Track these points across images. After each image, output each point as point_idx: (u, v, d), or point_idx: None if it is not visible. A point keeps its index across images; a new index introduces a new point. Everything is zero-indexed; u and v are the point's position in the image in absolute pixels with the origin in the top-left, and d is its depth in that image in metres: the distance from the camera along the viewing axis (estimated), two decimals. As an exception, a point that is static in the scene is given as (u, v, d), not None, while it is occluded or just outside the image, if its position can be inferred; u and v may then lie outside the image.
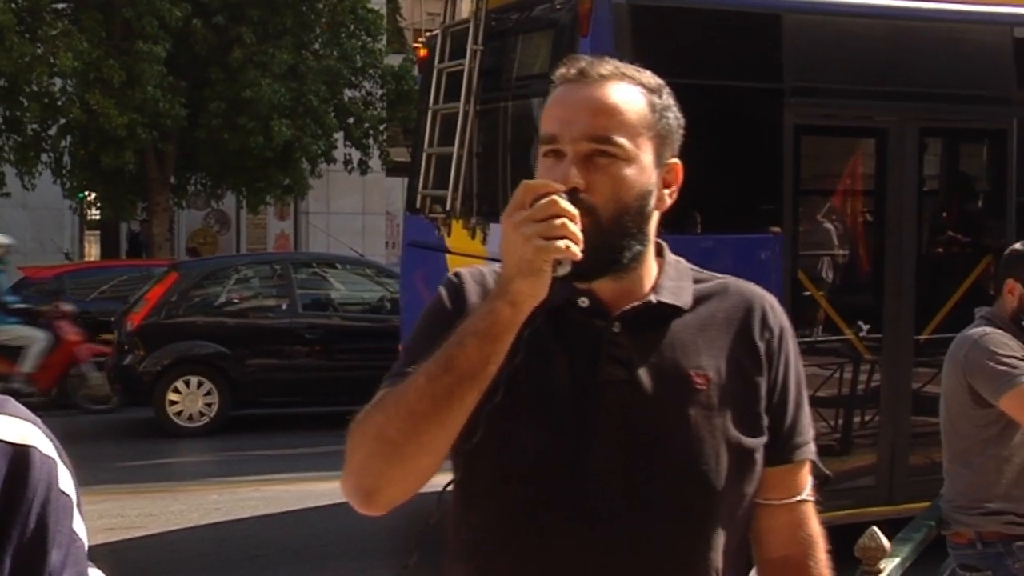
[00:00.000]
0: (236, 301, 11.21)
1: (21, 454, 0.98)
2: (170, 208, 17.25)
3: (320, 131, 15.77)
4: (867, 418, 6.12)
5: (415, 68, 16.98)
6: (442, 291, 1.53)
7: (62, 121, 15.31)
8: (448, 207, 5.92)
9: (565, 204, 1.30)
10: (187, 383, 10.32)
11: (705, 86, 5.42)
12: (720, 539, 1.48)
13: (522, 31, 6.01)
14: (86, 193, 18.73)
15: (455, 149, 5.82)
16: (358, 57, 16.36)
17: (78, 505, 1.03)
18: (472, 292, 1.50)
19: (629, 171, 1.43)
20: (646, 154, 1.45)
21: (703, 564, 1.47)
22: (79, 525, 1.02)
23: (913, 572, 3.20)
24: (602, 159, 1.42)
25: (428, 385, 1.32)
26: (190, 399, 10.33)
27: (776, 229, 5.65)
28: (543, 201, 1.29)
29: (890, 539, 2.96)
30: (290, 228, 22.69)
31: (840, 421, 6.12)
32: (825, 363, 5.99)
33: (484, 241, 5.77)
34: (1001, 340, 3.12)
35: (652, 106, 1.47)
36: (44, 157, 15.90)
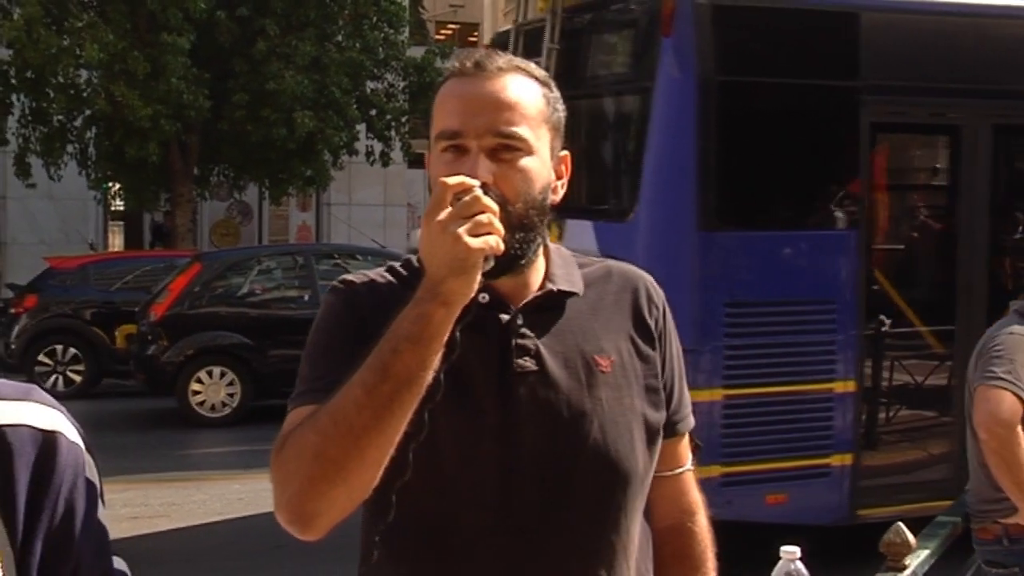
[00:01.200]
0: (258, 292, 11.28)
1: (50, 440, 0.99)
2: (193, 199, 17.34)
3: (342, 123, 15.81)
4: (939, 411, 6.16)
5: (436, 59, 17.03)
6: (333, 300, 1.50)
7: (87, 112, 15.42)
8: None
9: (487, 200, 1.29)
10: (210, 373, 10.40)
11: (783, 84, 5.56)
12: (636, 517, 1.53)
13: (598, 30, 6.05)
14: (110, 184, 18.85)
15: None
16: (380, 49, 16.39)
17: (101, 493, 1.04)
18: (366, 297, 1.48)
19: (533, 164, 1.43)
20: (544, 147, 1.45)
21: (626, 543, 1.50)
22: (103, 512, 1.04)
23: (939, 568, 3.18)
24: (506, 153, 1.41)
25: (367, 396, 1.29)
26: (213, 389, 10.41)
27: (851, 225, 5.68)
28: (467, 198, 1.28)
29: (915, 534, 2.93)
30: (312, 219, 22.77)
31: (912, 414, 6.24)
32: (898, 356, 6.06)
33: (560, 236, 5.86)
34: (1019, 344, 3.08)
35: (547, 99, 1.47)
36: (69, 148, 16.02)
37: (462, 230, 1.27)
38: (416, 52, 17.31)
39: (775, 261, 5.47)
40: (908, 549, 2.83)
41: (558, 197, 1.51)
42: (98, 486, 1.04)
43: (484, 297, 1.44)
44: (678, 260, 5.20)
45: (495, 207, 1.30)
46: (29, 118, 15.75)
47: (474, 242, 1.27)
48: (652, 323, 1.55)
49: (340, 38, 16.24)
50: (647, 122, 5.36)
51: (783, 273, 5.51)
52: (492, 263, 1.31)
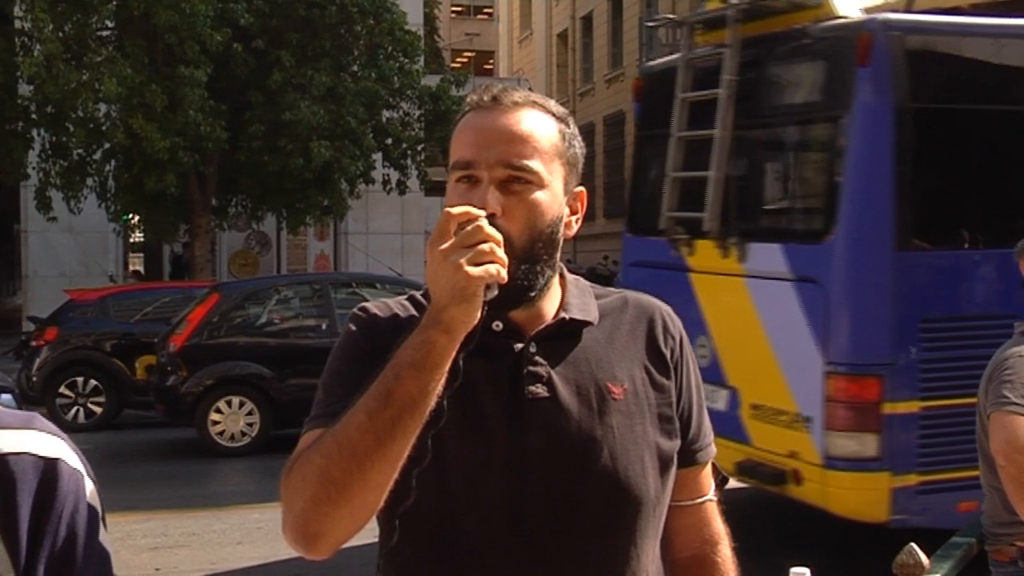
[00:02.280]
0: (276, 321, 11.31)
1: (51, 467, 1.01)
2: (212, 230, 17.46)
3: (359, 152, 15.91)
4: None
5: (452, 88, 17.15)
6: (352, 328, 1.53)
7: (106, 145, 15.58)
8: (705, 227, 6.11)
9: (490, 229, 1.31)
10: (229, 403, 10.43)
11: (974, 110, 5.76)
12: (650, 546, 1.53)
13: (782, 60, 6.19)
14: (130, 216, 19.02)
15: (712, 173, 6.00)
16: (396, 78, 16.50)
17: (102, 518, 1.06)
18: (384, 325, 1.51)
19: (543, 198, 1.45)
20: (557, 181, 1.47)
21: (636, 570, 1.51)
22: (104, 537, 1.06)
23: (953, 590, 3.18)
24: (517, 185, 1.43)
25: (369, 421, 1.31)
26: (232, 419, 10.44)
27: None
28: (469, 228, 1.30)
29: (929, 555, 2.94)
30: (330, 248, 22.89)
31: None
32: None
33: (741, 259, 5.97)
34: None
35: (562, 134, 1.50)
36: (89, 181, 16.18)
37: (463, 259, 1.29)
38: (431, 80, 17.44)
39: (967, 278, 5.68)
40: (921, 570, 2.84)
41: (572, 232, 1.52)
42: (99, 511, 1.05)
43: (498, 325, 1.47)
44: (876, 278, 5.43)
45: (498, 237, 1.32)
46: (49, 152, 15.94)
47: (474, 271, 1.29)
48: (667, 352, 1.57)
49: (356, 68, 16.37)
50: (843, 149, 5.55)
51: (975, 290, 5.70)
52: (495, 292, 1.33)
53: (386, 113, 16.80)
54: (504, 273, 1.32)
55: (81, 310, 12.73)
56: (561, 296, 1.55)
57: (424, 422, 1.34)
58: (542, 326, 1.51)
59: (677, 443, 1.56)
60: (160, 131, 14.25)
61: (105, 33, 15.90)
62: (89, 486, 1.05)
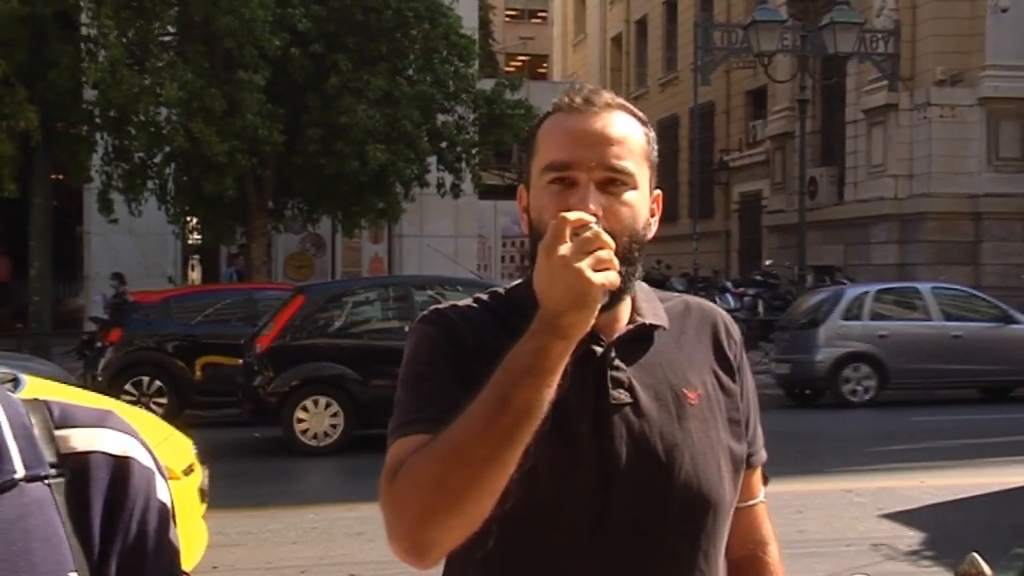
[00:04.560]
0: (359, 323, 11.53)
1: (122, 465, 1.03)
2: (268, 232, 17.66)
3: (414, 155, 16.01)
4: None
5: (506, 91, 17.19)
6: (429, 329, 1.52)
7: (167, 149, 15.84)
8: None
9: (607, 236, 1.31)
10: (315, 403, 10.63)
11: None
12: (722, 549, 1.55)
13: None
14: (188, 218, 19.30)
15: None
16: (451, 82, 16.58)
17: (173, 515, 1.08)
18: (463, 325, 1.50)
19: (637, 199, 1.46)
20: (645, 183, 1.49)
21: (714, 572, 1.53)
22: (174, 534, 1.08)
23: (1016, 601, 3.12)
24: (614, 187, 1.44)
25: (487, 429, 1.30)
26: (317, 419, 10.64)
27: None
28: (588, 234, 1.30)
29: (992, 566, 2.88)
30: (384, 251, 23.04)
31: None
32: None
33: None
34: None
35: (647, 137, 1.51)
36: (150, 184, 16.47)
37: (585, 264, 1.28)
38: (486, 84, 17.50)
39: None
40: (984, 580, 2.78)
41: (651, 234, 1.53)
42: (170, 508, 1.07)
43: None
44: None
45: (612, 243, 1.31)
46: (112, 155, 16.25)
47: (598, 277, 1.28)
48: (731, 356, 1.59)
49: (411, 72, 16.48)
50: None
51: None
52: (607, 298, 1.33)
53: (441, 117, 16.88)
54: (618, 280, 1.32)
55: (144, 311, 12.98)
56: (633, 300, 1.54)
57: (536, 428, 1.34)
58: (622, 331, 1.50)
59: (746, 446, 1.57)
60: (219, 135, 14.46)
61: (166, 38, 16.17)
62: (160, 484, 1.07)
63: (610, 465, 1.46)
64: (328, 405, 10.62)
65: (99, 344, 12.70)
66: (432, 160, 16.86)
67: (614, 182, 1.44)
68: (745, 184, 29.01)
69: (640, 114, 1.53)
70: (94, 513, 1.01)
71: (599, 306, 1.31)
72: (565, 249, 1.29)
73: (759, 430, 1.64)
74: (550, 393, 1.32)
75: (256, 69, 14.63)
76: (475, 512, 1.34)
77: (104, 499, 1.01)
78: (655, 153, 1.53)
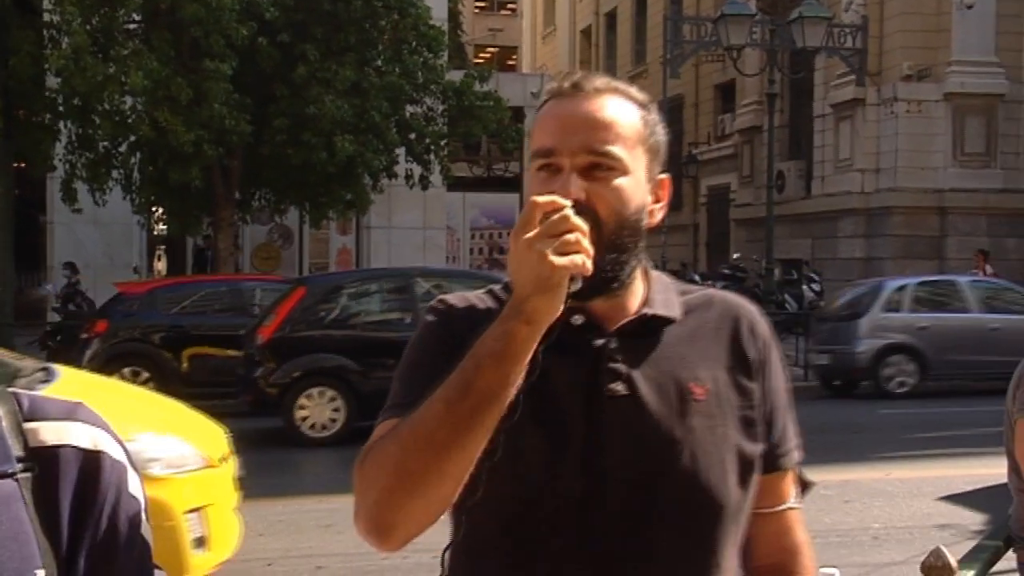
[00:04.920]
0: (361, 315, 11.58)
1: (92, 459, 1.01)
2: (235, 223, 17.54)
3: (382, 146, 15.95)
4: None
5: (475, 83, 17.15)
6: (431, 319, 1.51)
7: (132, 138, 15.68)
8: None
9: (576, 219, 1.28)
10: (320, 393, 10.71)
11: None
12: (730, 553, 1.48)
13: None
14: (154, 209, 19.12)
15: None
16: (420, 73, 16.52)
17: (145, 509, 1.06)
18: (462, 317, 1.49)
19: (627, 184, 1.42)
20: (640, 168, 1.44)
21: None
22: (146, 529, 1.05)
23: (980, 592, 3.15)
24: (600, 172, 1.40)
25: (448, 412, 1.29)
26: (318, 409, 10.72)
27: None
28: (555, 217, 1.27)
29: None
30: (352, 243, 22.95)
31: None
32: None
33: None
34: None
35: (644, 121, 1.47)
36: (114, 174, 16.29)
37: (548, 248, 1.26)
38: (455, 76, 17.45)
39: None
40: (949, 573, 2.81)
41: (655, 220, 1.49)
42: (142, 503, 1.05)
43: (578, 319, 1.43)
44: None
45: (584, 227, 1.28)
46: (75, 144, 16.05)
47: (559, 260, 1.26)
48: (752, 354, 1.52)
49: (380, 62, 16.41)
50: None
51: None
52: (580, 283, 1.30)
53: (409, 108, 16.82)
54: (589, 264, 1.28)
55: (130, 303, 12.94)
56: (645, 291, 1.51)
57: (502, 415, 1.32)
58: (624, 321, 1.47)
59: (760, 448, 1.50)
60: (185, 124, 14.33)
61: (132, 26, 15.99)
62: (133, 478, 1.05)
63: (599, 459, 1.42)
64: (330, 397, 10.70)
65: (84, 335, 12.61)
66: (401, 151, 16.81)
67: (600, 167, 1.41)
68: (713, 177, 29.15)
69: (639, 97, 1.49)
70: (63, 509, 0.99)
71: (564, 291, 1.28)
72: (532, 233, 1.27)
73: (790, 431, 1.56)
74: (515, 379, 1.30)
75: (223, 58, 14.50)
76: (435, 497, 1.33)
77: (73, 494, 0.99)
78: (657, 137, 1.49)
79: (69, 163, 16.13)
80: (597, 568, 1.41)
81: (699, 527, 1.45)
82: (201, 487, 5.27)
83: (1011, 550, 3.32)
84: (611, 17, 36.64)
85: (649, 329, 1.48)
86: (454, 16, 24.40)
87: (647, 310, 1.48)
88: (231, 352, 11.79)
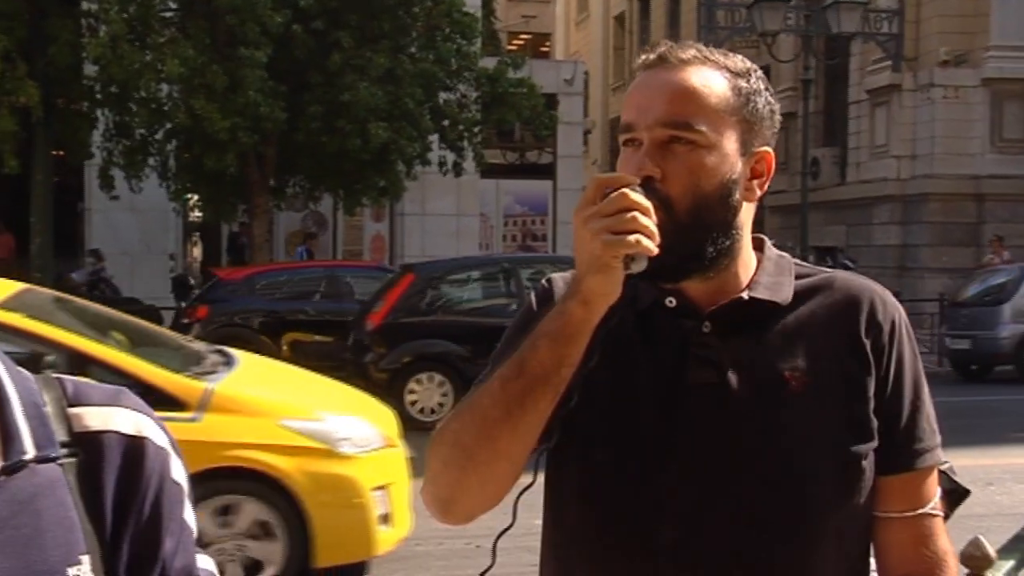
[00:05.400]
0: (468, 301, 11.84)
1: (136, 445, 1.02)
2: (270, 210, 17.62)
3: (416, 133, 15.95)
4: None
5: (509, 70, 17.11)
6: (531, 297, 1.49)
7: (168, 126, 15.78)
8: None
9: (636, 196, 1.23)
10: (430, 378, 11.01)
11: None
12: (828, 556, 1.38)
13: None
14: (189, 196, 19.24)
15: None
16: (453, 60, 16.50)
17: (189, 495, 1.06)
18: (556, 296, 1.42)
19: (709, 159, 1.33)
20: (729, 141, 1.35)
21: None
22: (189, 514, 1.06)
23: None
24: (679, 146, 1.32)
25: (501, 390, 1.28)
26: (427, 394, 11.01)
27: None
28: (613, 195, 1.23)
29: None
30: (386, 229, 23.00)
31: None
32: None
33: None
34: None
35: (737, 90, 1.37)
36: (151, 161, 16.40)
37: (600, 226, 1.22)
38: (488, 63, 17.41)
39: None
40: (988, 563, 2.78)
41: (755, 196, 1.40)
42: (185, 488, 1.05)
43: (671, 301, 1.38)
44: None
45: (646, 204, 1.23)
46: (113, 132, 16.18)
47: (611, 239, 1.21)
48: (869, 342, 1.39)
49: (413, 49, 16.40)
50: None
51: None
52: (644, 264, 1.24)
53: (443, 95, 16.80)
54: (650, 244, 1.23)
55: (229, 288, 13.22)
56: (754, 273, 1.42)
57: (558, 400, 1.28)
58: (718, 305, 1.38)
59: (870, 445, 1.38)
60: (220, 112, 14.40)
61: (168, 14, 16.09)
62: (175, 464, 1.05)
63: (673, 451, 1.35)
64: (439, 381, 11.00)
65: (186, 320, 12.89)
66: (434, 138, 16.80)
67: (679, 140, 1.33)
68: (747, 164, 28.89)
69: (735, 66, 1.39)
70: (107, 494, 0.99)
71: (620, 272, 1.23)
72: (588, 211, 1.23)
73: (921, 429, 1.42)
74: (571, 361, 1.27)
75: (258, 46, 14.55)
76: (489, 475, 1.31)
77: (117, 480, 1.00)
78: (754, 106, 1.38)
79: (106, 151, 16.27)
80: (671, 565, 1.35)
81: (784, 527, 1.34)
82: (384, 466, 5.47)
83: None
84: (645, 3, 36.41)
85: (751, 314, 1.39)
86: (488, 3, 24.30)
87: (746, 293, 1.39)
88: (329, 338, 12.25)
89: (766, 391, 1.36)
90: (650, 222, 1.23)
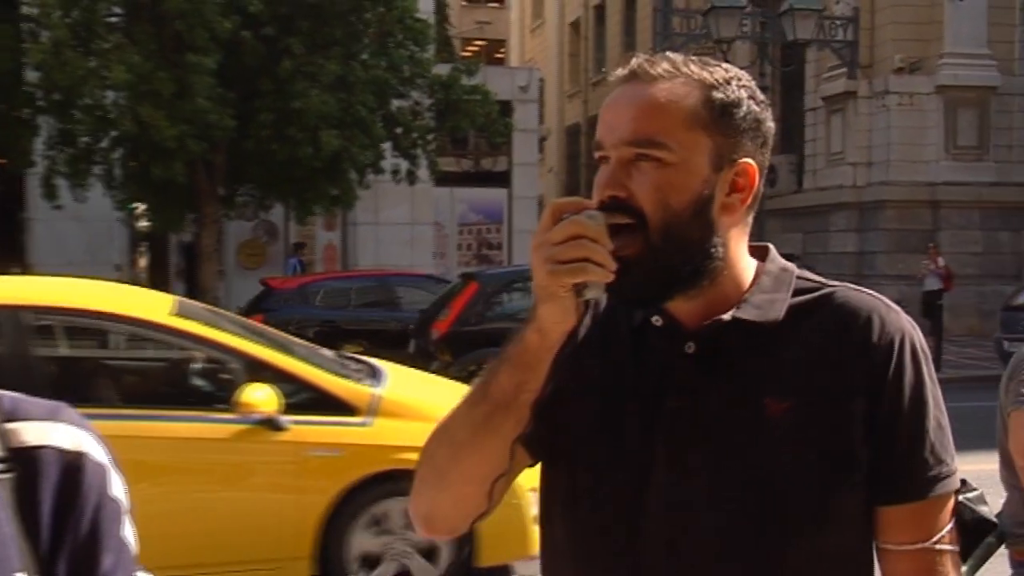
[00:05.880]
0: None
1: (74, 461, 1.01)
2: (219, 219, 17.47)
3: (368, 141, 15.90)
4: None
5: (462, 77, 17.12)
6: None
7: (114, 134, 15.58)
8: None
9: (586, 223, 1.21)
10: None
11: None
12: None
13: None
14: (136, 205, 19.02)
15: None
16: (406, 67, 16.47)
17: (128, 512, 1.05)
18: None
19: (677, 176, 1.30)
20: (700, 156, 1.31)
21: None
22: (128, 531, 1.05)
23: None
24: (646, 164, 1.30)
25: (467, 413, 1.30)
26: None
27: None
28: (562, 222, 1.21)
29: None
30: (338, 239, 22.90)
31: None
32: None
33: None
34: None
35: (710, 102, 1.32)
36: (96, 169, 16.18)
37: (547, 255, 1.20)
38: (442, 69, 17.41)
39: None
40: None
41: (734, 212, 1.35)
42: (124, 505, 1.05)
43: (657, 320, 1.36)
44: None
45: (597, 229, 1.21)
46: (56, 140, 15.97)
47: (555, 268, 1.20)
48: (865, 364, 1.32)
49: (366, 56, 16.35)
50: None
51: None
52: (599, 291, 1.22)
53: (396, 102, 16.77)
54: (600, 271, 1.21)
55: (282, 298, 13.28)
56: (747, 289, 1.37)
57: (521, 426, 1.29)
58: (701, 325, 1.35)
59: (854, 476, 1.31)
60: (168, 119, 14.26)
61: (113, 19, 15.90)
62: (114, 480, 1.04)
63: (646, 477, 1.33)
64: None
65: None
66: (387, 146, 16.75)
67: (645, 158, 1.30)
68: (704, 172, 29.11)
69: (713, 76, 1.35)
70: (44, 511, 0.98)
71: (570, 300, 1.22)
72: (539, 239, 1.23)
73: (923, 457, 1.33)
74: (529, 387, 1.27)
75: (206, 52, 14.43)
76: (460, 494, 1.34)
77: (55, 496, 0.99)
78: (734, 118, 1.33)
79: (49, 159, 16.03)
80: None
81: (757, 556, 1.30)
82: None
83: (1003, 545, 3.34)
84: (600, 10, 36.62)
85: (737, 334, 1.34)
86: (441, 9, 24.34)
87: (730, 313, 1.34)
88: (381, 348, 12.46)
89: (745, 417, 1.31)
90: (600, 248, 1.21)
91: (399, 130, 16.85)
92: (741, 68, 1.36)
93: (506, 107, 21.12)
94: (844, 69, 21.52)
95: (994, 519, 1.42)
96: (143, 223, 21.82)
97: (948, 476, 1.34)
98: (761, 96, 1.39)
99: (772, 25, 19.39)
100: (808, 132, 23.65)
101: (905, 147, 21.14)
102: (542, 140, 31.00)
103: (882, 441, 1.32)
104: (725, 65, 1.39)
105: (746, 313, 1.34)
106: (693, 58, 1.38)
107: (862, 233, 21.65)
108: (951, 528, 1.36)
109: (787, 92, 24.94)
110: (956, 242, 20.50)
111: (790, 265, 1.42)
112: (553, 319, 1.24)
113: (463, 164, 25.84)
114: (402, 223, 21.90)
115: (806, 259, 22.14)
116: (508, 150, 23.95)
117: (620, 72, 1.37)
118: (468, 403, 1.31)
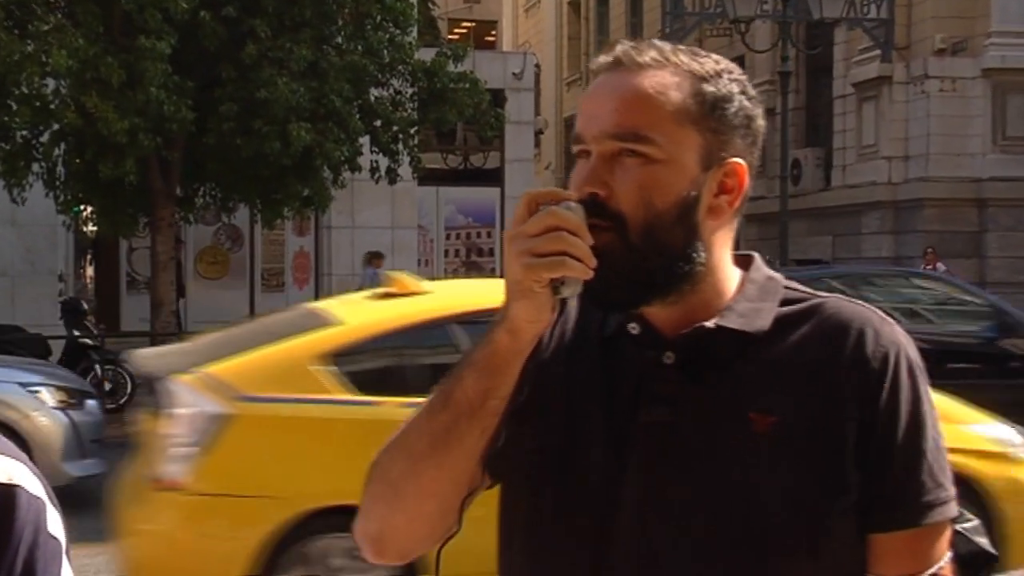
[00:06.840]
0: None
1: (7, 494, 1.02)
2: (176, 223, 17.48)
3: (343, 135, 15.93)
4: None
5: (449, 63, 17.16)
6: None
7: (55, 127, 15.59)
8: None
9: (565, 214, 1.26)
10: None
11: None
12: None
13: None
14: (82, 207, 19.00)
15: None
16: (385, 52, 16.54)
17: (66, 550, 1.06)
18: (566, 319, 1.50)
19: (663, 174, 1.34)
20: (688, 153, 1.36)
21: None
22: (68, 570, 1.06)
23: None
24: (630, 160, 1.35)
25: (427, 422, 1.32)
26: None
27: None
28: (539, 213, 1.26)
29: None
30: (311, 244, 22.90)
31: None
32: None
33: None
34: None
35: (700, 96, 1.37)
36: (35, 167, 16.18)
37: (523, 248, 1.25)
38: (426, 55, 17.45)
39: None
40: None
41: (722, 214, 1.41)
42: (62, 542, 1.05)
43: (634, 328, 1.40)
44: None
45: (577, 222, 1.25)
46: (-11, 134, 15.97)
47: (532, 262, 1.24)
48: (855, 379, 1.36)
49: (340, 40, 16.40)
50: None
51: None
52: (576, 288, 1.27)
53: (374, 91, 16.83)
54: (579, 267, 1.25)
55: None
56: (731, 297, 1.42)
57: (488, 437, 1.32)
58: (680, 334, 1.39)
59: (845, 500, 1.35)
60: (117, 110, 14.26)
61: (53, -1, 15.92)
62: (52, 515, 1.04)
63: (622, 499, 1.36)
64: None
65: None
66: (364, 141, 16.80)
67: (629, 153, 1.35)
68: (721, 167, 29.23)
69: (703, 67, 1.40)
70: None
71: (547, 298, 1.26)
72: (515, 230, 1.26)
73: (919, 482, 1.37)
74: (497, 392, 1.30)
75: (160, 35, 14.45)
76: (416, 512, 1.36)
77: None
78: (724, 114, 1.38)
79: (-18, 156, 16.03)
80: None
81: None
82: None
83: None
84: (603, -14, 36.73)
85: (719, 345, 1.38)
86: (424, -14, 24.39)
87: (713, 321, 1.39)
88: None
89: (726, 434, 1.36)
90: (580, 242, 1.25)
91: (378, 123, 16.88)
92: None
93: (498, 96, 21.15)
94: (877, 51, 21.56)
95: (994, 551, 1.51)
96: (90, 228, 21.80)
97: (947, 502, 1.38)
98: (753, 92, 1.43)
99: (795, 2, 19.43)
100: (837, 123, 23.69)
101: (947, 139, 21.18)
102: (538, 133, 31.06)
103: (876, 462, 1.35)
104: (715, 56, 1.43)
105: (730, 321, 1.39)
106: (682, 47, 1.42)
107: (898, 236, 21.68)
108: (949, 559, 1.40)
109: (813, 78, 25.00)
110: (1005, 245, 20.52)
111: (776, 275, 1.48)
112: (527, 317, 1.28)
113: (450, 161, 25.88)
114: (382, 226, 21.92)
115: (835, 265, 22.16)
116: (500, 145, 23.99)
117: (603, 59, 1.41)
118: (428, 411, 1.33)
